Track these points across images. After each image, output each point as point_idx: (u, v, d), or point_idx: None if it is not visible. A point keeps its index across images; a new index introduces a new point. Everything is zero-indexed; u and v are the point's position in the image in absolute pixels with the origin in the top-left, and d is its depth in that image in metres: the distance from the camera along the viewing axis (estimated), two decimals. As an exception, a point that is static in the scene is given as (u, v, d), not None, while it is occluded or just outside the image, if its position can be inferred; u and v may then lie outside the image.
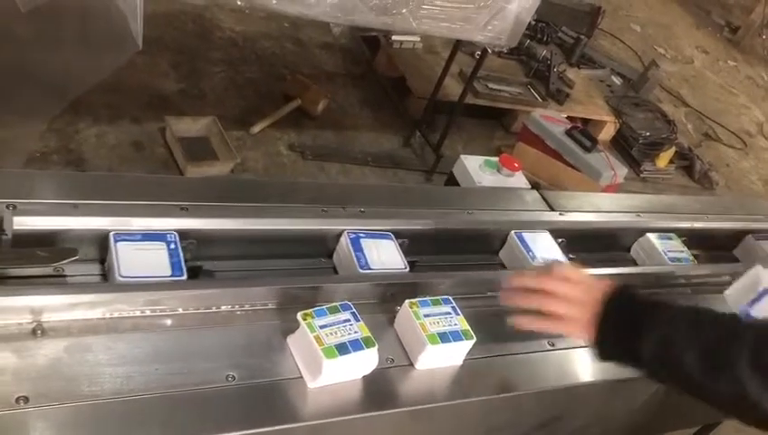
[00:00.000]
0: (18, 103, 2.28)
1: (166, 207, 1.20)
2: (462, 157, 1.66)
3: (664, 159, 4.55)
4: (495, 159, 1.66)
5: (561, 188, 3.30)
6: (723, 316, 1.12)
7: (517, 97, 4.16)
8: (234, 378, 1.02)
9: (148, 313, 1.04)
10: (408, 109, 3.88)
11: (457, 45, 3.45)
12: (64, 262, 0.97)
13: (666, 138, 4.60)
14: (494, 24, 2.88)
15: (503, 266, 1.51)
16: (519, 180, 1.65)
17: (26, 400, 0.89)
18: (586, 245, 1.65)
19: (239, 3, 2.33)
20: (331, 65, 4.05)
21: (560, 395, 1.31)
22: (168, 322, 1.05)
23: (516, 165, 1.68)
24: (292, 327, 1.09)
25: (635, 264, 1.70)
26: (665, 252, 1.63)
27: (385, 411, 1.09)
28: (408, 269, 1.30)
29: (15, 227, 0.99)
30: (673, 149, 4.61)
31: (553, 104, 4.26)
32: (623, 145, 4.53)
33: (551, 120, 3.68)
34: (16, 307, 0.95)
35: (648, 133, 4.54)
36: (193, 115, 3.19)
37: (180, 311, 1.06)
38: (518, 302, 1.20)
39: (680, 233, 1.74)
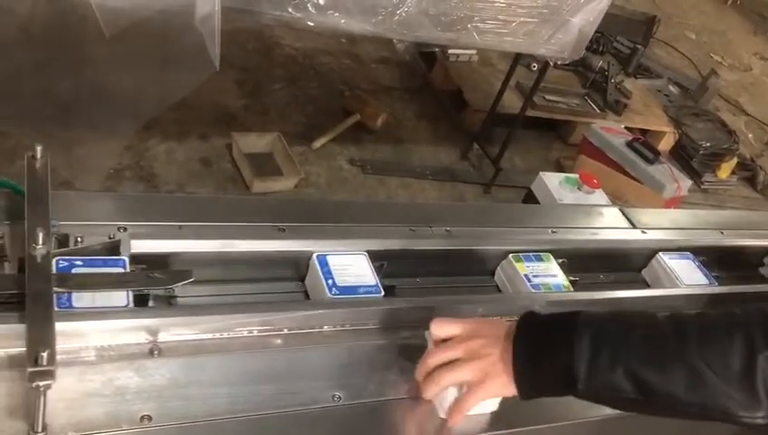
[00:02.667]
0: (97, 123, 2.36)
1: (265, 229, 1.23)
2: (541, 174, 1.66)
3: (725, 170, 4.45)
4: (575, 176, 1.66)
5: (623, 201, 3.26)
6: (650, 313, 0.97)
7: (575, 108, 4.13)
8: (340, 398, 1.04)
9: (255, 333, 1.07)
10: (465, 122, 3.88)
11: (517, 58, 3.45)
12: (180, 284, 1.01)
13: (727, 148, 4.50)
14: (557, 38, 2.88)
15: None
16: (599, 197, 1.64)
17: (150, 419, 0.92)
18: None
19: (309, 24, 2.38)
20: (388, 80, 4.09)
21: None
22: (278, 341, 1.07)
23: (596, 181, 1.67)
24: (395, 346, 1.11)
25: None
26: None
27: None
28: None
29: (133, 251, 1.03)
30: (735, 160, 4.51)
31: (611, 115, 4.22)
32: (683, 156, 4.44)
33: (612, 131, 3.64)
34: (135, 328, 0.99)
35: (708, 144, 4.45)
36: (257, 131, 3.26)
37: (285, 331, 1.09)
38: (424, 396, 1.03)
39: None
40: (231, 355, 1.04)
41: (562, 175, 1.67)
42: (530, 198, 1.70)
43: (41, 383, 0.78)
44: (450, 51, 4.02)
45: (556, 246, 1.46)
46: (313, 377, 1.06)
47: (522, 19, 2.77)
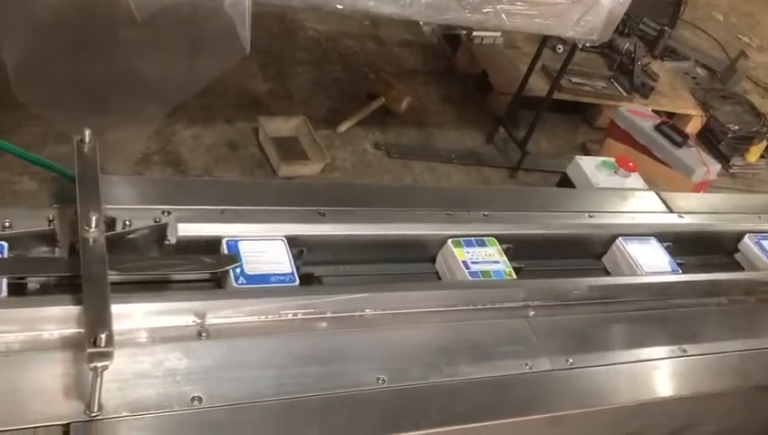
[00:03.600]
0: (127, 107, 2.37)
1: (307, 213, 1.23)
2: (577, 158, 1.65)
3: (754, 154, 4.39)
4: (612, 159, 1.64)
5: (651, 185, 3.23)
6: None
7: (601, 91, 4.08)
8: (384, 381, 1.04)
9: (300, 316, 1.08)
10: (490, 105, 3.86)
11: (544, 41, 3.41)
12: (227, 268, 1.01)
13: (756, 131, 4.43)
14: (586, 20, 2.84)
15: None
16: (636, 181, 1.62)
17: (200, 400, 0.93)
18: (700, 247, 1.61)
19: (339, 6, 2.37)
20: (411, 63, 4.07)
21: (689, 404, 1.28)
22: (322, 324, 1.08)
23: (632, 165, 1.66)
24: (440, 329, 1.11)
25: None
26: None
27: (525, 417, 1.10)
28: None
29: (180, 234, 1.04)
30: (764, 143, 4.44)
31: (638, 98, 4.16)
32: (710, 139, 4.38)
33: (639, 114, 3.60)
34: (184, 310, 1.00)
35: (736, 127, 4.38)
36: (282, 115, 3.26)
37: (329, 314, 1.09)
38: None
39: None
40: (276, 338, 1.05)
41: (599, 159, 1.66)
42: (565, 182, 1.69)
43: (99, 364, 0.79)
44: (475, 33, 3.99)
45: (595, 230, 1.45)
46: (357, 360, 1.06)
47: (551, 1, 2.74)
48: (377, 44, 4.07)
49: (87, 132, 1.00)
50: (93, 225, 0.88)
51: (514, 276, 1.28)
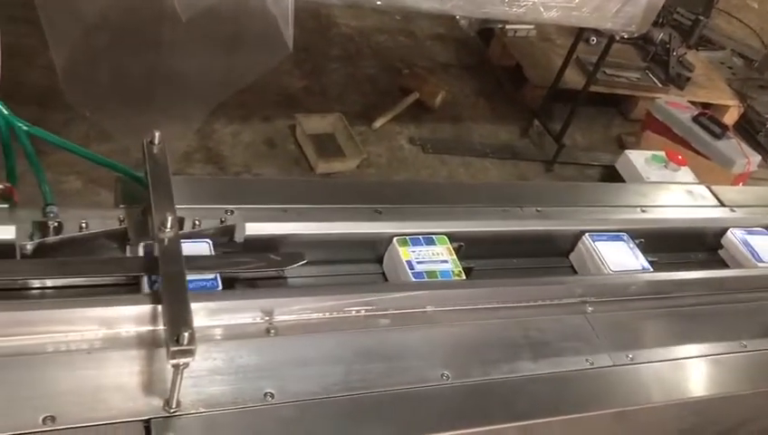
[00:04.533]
0: (171, 106, 2.40)
1: (364, 210, 1.25)
2: (627, 152, 1.65)
3: (794, 144, 4.30)
4: (662, 153, 1.63)
5: (690, 177, 3.19)
6: None
7: (636, 83, 4.04)
8: (448, 377, 1.05)
9: (363, 312, 1.09)
10: (524, 98, 3.84)
11: (580, 33, 3.39)
12: (295, 265, 1.03)
13: (795, 121, 4.35)
14: (625, 11, 2.81)
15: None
16: (686, 175, 1.61)
17: (273, 395, 0.95)
18: None
19: (378, 3, 2.37)
20: (444, 57, 4.06)
21: (749, 400, 1.28)
22: (385, 320, 1.09)
23: (681, 158, 1.64)
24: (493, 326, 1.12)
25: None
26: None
27: (588, 414, 1.10)
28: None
29: (248, 233, 1.06)
30: (803, 133, 4.35)
31: (673, 89, 4.11)
32: (748, 130, 4.31)
33: (677, 106, 3.55)
34: (252, 308, 1.02)
35: (775, 117, 4.31)
36: (317, 112, 3.28)
37: (392, 311, 1.11)
38: None
39: None
40: (341, 334, 1.06)
41: (648, 153, 1.65)
42: (613, 176, 1.68)
43: (181, 361, 0.81)
44: (508, 26, 3.97)
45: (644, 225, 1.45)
46: (421, 356, 1.08)
47: (590, -8, 2.71)
48: (409, 39, 4.07)
49: (157, 134, 1.02)
50: (169, 225, 0.90)
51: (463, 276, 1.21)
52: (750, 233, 1.46)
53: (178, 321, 0.82)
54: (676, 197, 1.57)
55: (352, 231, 1.21)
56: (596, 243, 1.37)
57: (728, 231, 1.46)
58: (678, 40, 4.50)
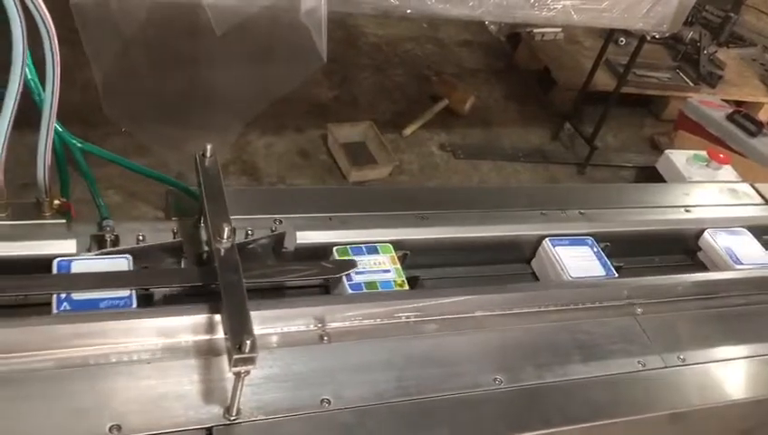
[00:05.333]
0: (207, 120, 2.44)
1: (409, 217, 1.26)
2: (667, 152, 1.64)
3: (831, 140, 4.22)
4: (703, 152, 1.62)
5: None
6: None
7: (667, 83, 4.01)
8: (501, 381, 1.05)
9: (413, 318, 1.10)
10: (554, 101, 3.83)
11: (611, 35, 3.37)
12: (346, 272, 1.04)
13: (832, 117, 4.27)
14: (656, 11, 2.79)
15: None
16: (728, 173, 1.60)
17: (329, 402, 0.96)
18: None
19: (408, 12, 2.39)
20: (472, 62, 4.06)
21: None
22: (436, 326, 1.09)
23: (723, 157, 1.63)
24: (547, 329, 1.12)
25: None
26: None
27: (645, 415, 1.09)
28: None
29: (298, 242, 1.07)
30: (841, 129, 4.27)
31: (705, 88, 4.07)
32: (784, 127, 4.24)
33: (710, 105, 3.51)
34: (305, 315, 1.03)
35: (811, 113, 4.23)
36: (348, 121, 3.30)
37: (441, 316, 1.11)
38: None
39: None
40: (393, 340, 1.07)
41: (690, 152, 1.63)
42: (653, 176, 1.67)
43: (243, 369, 0.83)
44: (536, 30, 3.96)
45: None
46: (472, 361, 1.08)
47: (620, -7, 2.70)
48: (436, 46, 4.08)
49: (209, 147, 1.04)
50: (226, 236, 0.92)
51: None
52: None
53: (240, 329, 0.83)
54: (720, 196, 1.56)
55: (393, 238, 1.22)
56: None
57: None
58: (708, 38, 4.45)
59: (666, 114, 4.00)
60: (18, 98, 0.96)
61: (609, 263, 1.28)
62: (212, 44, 2.23)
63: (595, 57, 3.61)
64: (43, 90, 0.97)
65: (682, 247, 1.50)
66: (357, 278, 1.09)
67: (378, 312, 1.07)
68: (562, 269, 1.24)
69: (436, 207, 1.29)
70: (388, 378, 1.01)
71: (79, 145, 1.15)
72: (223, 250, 0.93)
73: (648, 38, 3.07)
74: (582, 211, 1.41)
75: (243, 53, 2.27)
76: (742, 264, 1.37)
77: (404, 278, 1.13)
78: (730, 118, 3.41)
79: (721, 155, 1.64)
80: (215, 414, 0.90)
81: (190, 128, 2.50)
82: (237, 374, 0.84)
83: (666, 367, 1.15)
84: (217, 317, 0.97)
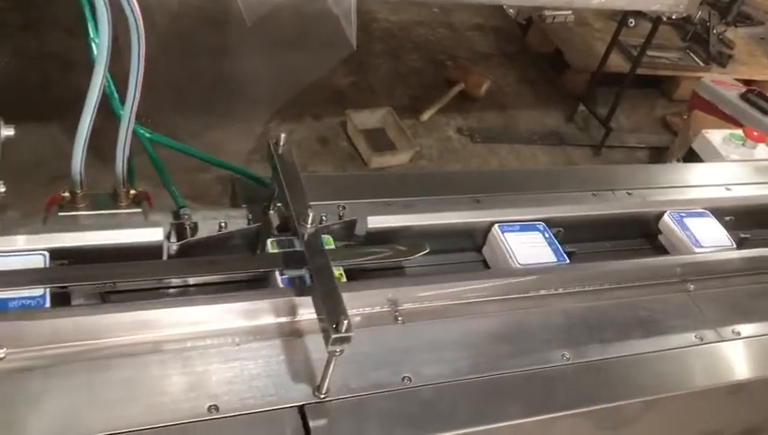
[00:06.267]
0: (236, 108, 2.46)
1: (461, 200, 1.29)
2: (704, 132, 1.66)
3: (841, 117, 4.26)
4: (739, 131, 1.65)
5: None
6: None
7: (678, 63, 4.03)
8: (568, 358, 1.09)
9: (481, 298, 1.13)
10: (567, 84, 3.85)
11: (625, 17, 3.38)
12: (419, 255, 1.07)
13: (841, 94, 4.30)
14: (675, -8, 2.81)
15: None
16: (764, 151, 1.63)
17: (410, 379, 0.99)
18: None
19: (432, -5, 2.41)
20: (484, 46, 4.08)
21: None
22: (502, 305, 1.13)
23: (756, 134, 1.66)
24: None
25: None
26: None
27: (706, 386, 1.13)
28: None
29: (370, 226, 1.10)
30: None
31: (716, 67, 4.09)
32: (793, 105, 4.27)
33: (723, 84, 3.53)
34: (380, 296, 1.06)
35: (820, 91, 4.25)
36: (365, 107, 3.32)
37: (507, 296, 1.14)
38: None
39: None
40: (464, 319, 1.10)
41: (726, 131, 1.66)
42: (691, 156, 1.70)
43: (339, 348, 0.86)
44: (546, 12, 3.97)
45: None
46: (540, 338, 1.11)
47: (638, -25, 2.72)
48: (449, 31, 4.09)
49: (282, 136, 1.06)
50: (309, 221, 0.95)
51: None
52: None
53: (336, 310, 0.86)
54: (760, 174, 1.59)
55: (457, 220, 1.25)
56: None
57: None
58: (717, 17, 4.47)
59: (677, 94, 4.02)
60: (101, 91, 0.99)
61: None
62: (241, 34, 2.24)
63: (605, 38, 3.63)
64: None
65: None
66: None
67: (449, 293, 1.11)
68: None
69: (486, 191, 1.32)
70: (463, 356, 1.05)
71: (147, 135, 1.17)
72: (307, 235, 0.95)
73: (665, 19, 3.09)
74: (630, 191, 1.44)
75: (271, 41, 2.29)
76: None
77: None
78: (744, 97, 3.43)
79: (755, 133, 1.67)
80: (305, 393, 0.93)
81: (218, 116, 2.53)
82: (332, 353, 0.87)
83: (722, 341, 1.19)
84: (298, 300, 1.01)
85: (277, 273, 1.02)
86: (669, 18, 3.09)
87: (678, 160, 2.78)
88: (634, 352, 1.13)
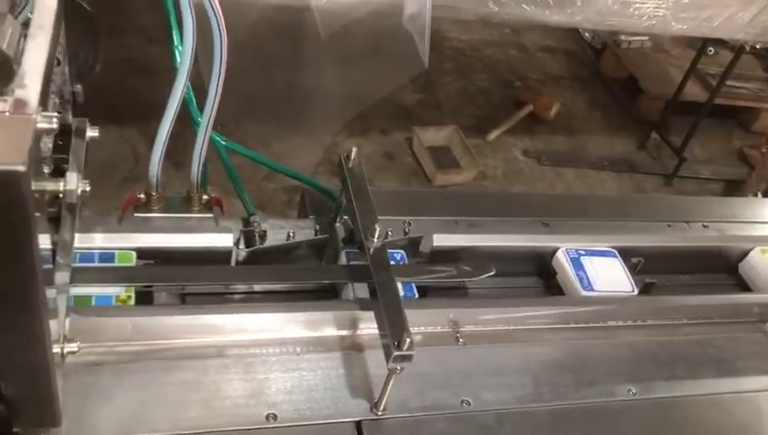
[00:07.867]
0: (308, 121, 2.49)
1: (529, 223, 1.26)
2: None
3: None
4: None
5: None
6: None
7: (758, 94, 3.88)
8: (635, 393, 1.05)
9: (546, 325, 1.10)
10: (640, 110, 3.76)
11: (704, 45, 3.29)
12: (484, 275, 1.06)
13: None
14: (760, 20, 2.71)
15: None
16: None
17: (469, 403, 0.97)
18: None
19: (506, 17, 2.39)
20: (555, 69, 4.03)
21: None
22: (569, 334, 1.10)
23: None
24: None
25: None
26: None
27: None
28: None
29: (435, 244, 1.10)
30: None
31: (799, 100, 3.92)
32: None
33: (807, 117, 3.39)
34: (441, 316, 1.05)
35: None
36: (431, 125, 3.32)
37: (575, 324, 1.11)
38: None
39: None
40: (527, 345, 1.08)
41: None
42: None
43: (400, 366, 0.85)
44: (622, 37, 3.90)
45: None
46: (606, 370, 1.08)
47: (721, 3, 2.64)
48: (520, 52, 4.06)
49: (354, 149, 1.07)
50: (376, 235, 0.95)
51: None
52: None
53: (399, 327, 0.85)
54: None
55: (524, 244, 1.22)
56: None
57: None
58: (802, 48, 4.29)
59: (756, 126, 3.88)
60: (183, 97, 1.01)
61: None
62: (315, 47, 2.28)
63: (682, 66, 3.54)
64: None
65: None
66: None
67: (512, 317, 1.09)
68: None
69: (555, 214, 1.30)
70: (525, 383, 1.02)
71: (223, 142, 1.20)
72: (373, 249, 0.95)
73: (748, 48, 2.99)
74: (706, 224, 1.39)
75: (344, 56, 2.31)
76: None
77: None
78: (829, 131, 3.28)
79: None
80: (362, 408, 0.93)
81: (286, 127, 2.57)
82: (392, 371, 0.86)
83: (800, 386, 1.13)
84: (360, 314, 1.00)
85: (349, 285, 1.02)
86: (753, 47, 2.99)
87: (755, 195, 2.67)
88: (705, 391, 1.08)
